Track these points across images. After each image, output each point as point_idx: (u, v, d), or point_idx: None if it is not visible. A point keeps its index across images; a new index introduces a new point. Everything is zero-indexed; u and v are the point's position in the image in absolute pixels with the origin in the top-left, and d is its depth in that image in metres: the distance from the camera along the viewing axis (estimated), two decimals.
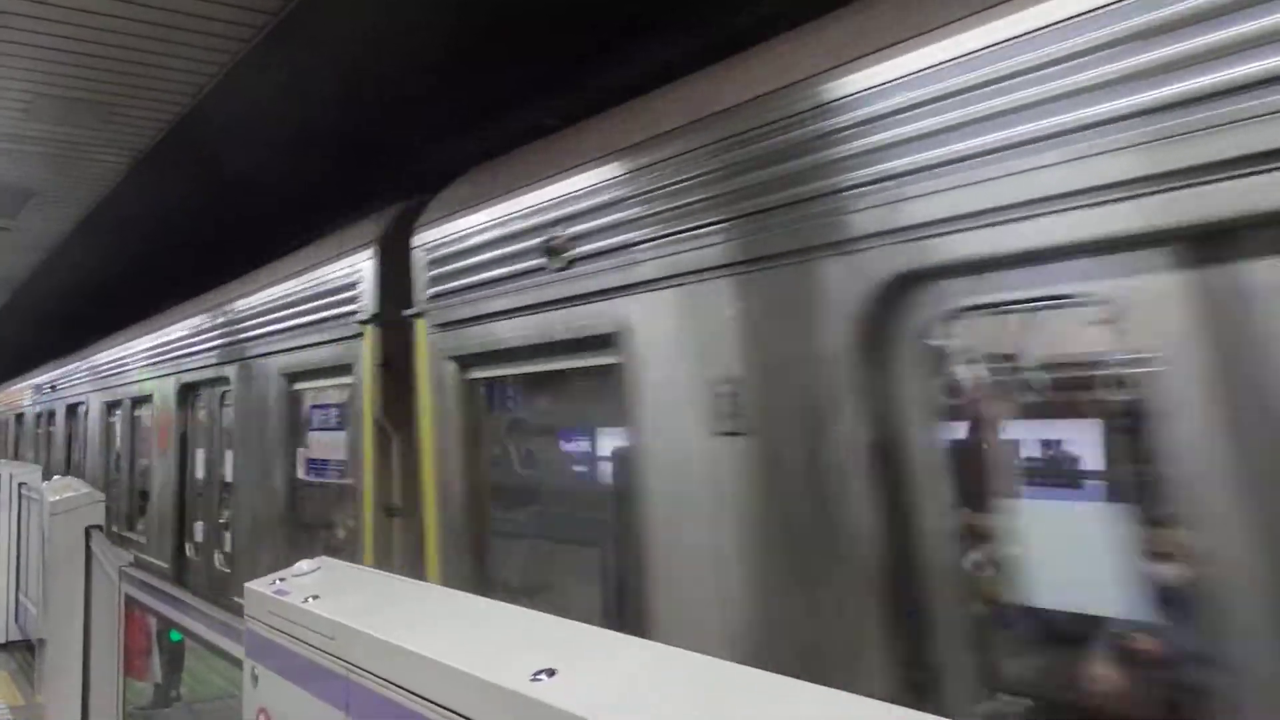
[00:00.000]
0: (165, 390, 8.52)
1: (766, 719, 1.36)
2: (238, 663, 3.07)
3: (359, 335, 4.88)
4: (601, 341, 3.29)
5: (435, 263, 4.21)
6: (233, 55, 5.77)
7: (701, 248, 2.88)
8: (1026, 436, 2.40)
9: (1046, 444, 2.37)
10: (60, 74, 6.21)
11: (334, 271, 5.26)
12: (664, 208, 3.02)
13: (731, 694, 1.48)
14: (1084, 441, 2.31)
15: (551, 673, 1.53)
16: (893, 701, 1.35)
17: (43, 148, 7.85)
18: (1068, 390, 2.31)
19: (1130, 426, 2.13)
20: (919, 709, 1.28)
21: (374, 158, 6.96)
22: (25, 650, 10.49)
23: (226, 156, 7.60)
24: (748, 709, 1.41)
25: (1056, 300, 2.16)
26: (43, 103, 6.72)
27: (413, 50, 5.47)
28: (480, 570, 4.07)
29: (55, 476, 9.25)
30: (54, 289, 14.09)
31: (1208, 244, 1.87)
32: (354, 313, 4.96)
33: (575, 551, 3.95)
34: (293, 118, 6.65)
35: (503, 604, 2.19)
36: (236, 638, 3.14)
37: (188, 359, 7.93)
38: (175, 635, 4.88)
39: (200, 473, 7.89)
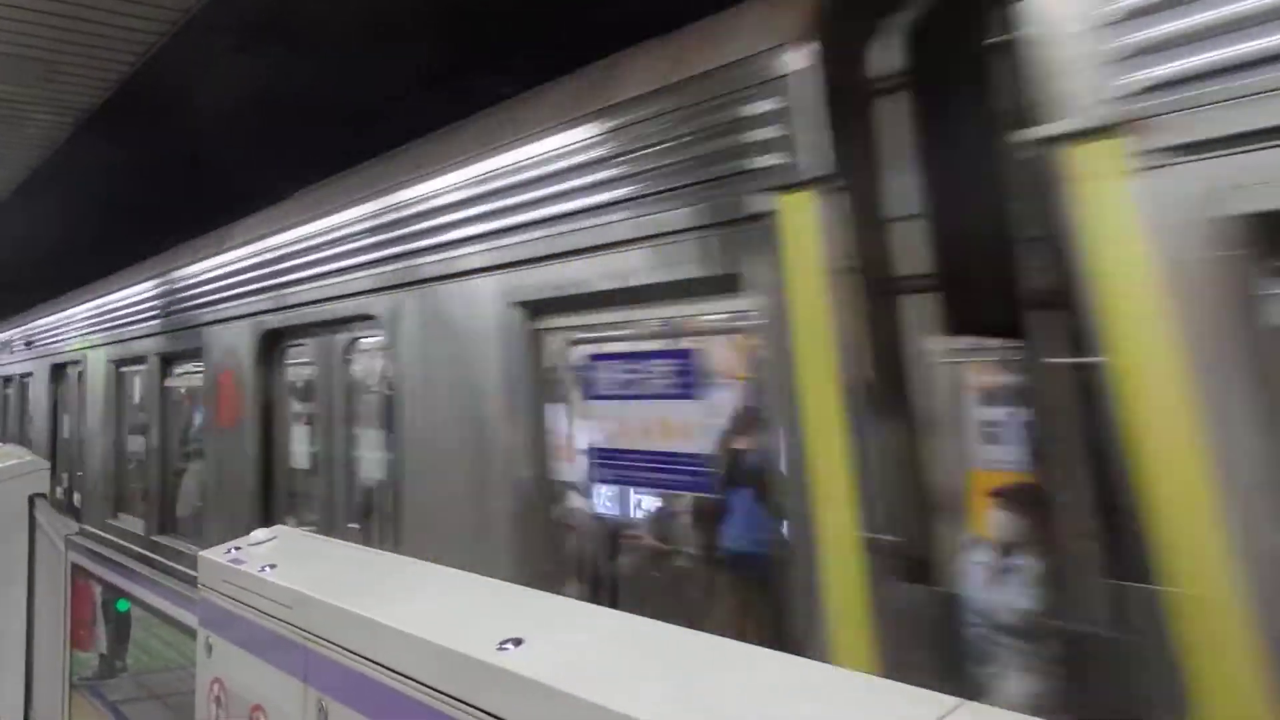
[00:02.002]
0: None
1: (732, 686, 1.37)
2: (190, 632, 3.03)
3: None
4: None
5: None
6: (184, 12, 5.61)
7: None
8: None
9: None
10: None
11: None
12: None
13: (698, 663, 1.49)
14: None
15: (518, 642, 1.53)
16: None
17: None
18: None
19: None
20: None
21: (332, 120, 6.82)
22: None
23: (176, 119, 7.41)
24: (714, 677, 1.42)
25: None
26: None
27: (373, 8, 5.36)
28: None
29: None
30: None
31: None
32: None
33: None
34: (245, 79, 6.49)
35: (466, 574, 2.18)
36: (189, 607, 3.10)
37: None
38: (122, 605, 4.80)
39: None
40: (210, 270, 5.65)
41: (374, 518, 4.26)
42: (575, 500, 3.27)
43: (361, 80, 6.19)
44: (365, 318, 4.04)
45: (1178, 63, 1.65)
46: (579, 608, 1.85)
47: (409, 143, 4.12)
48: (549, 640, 1.57)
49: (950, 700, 1.12)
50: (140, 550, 5.97)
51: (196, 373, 5.90)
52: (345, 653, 1.91)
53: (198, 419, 6.24)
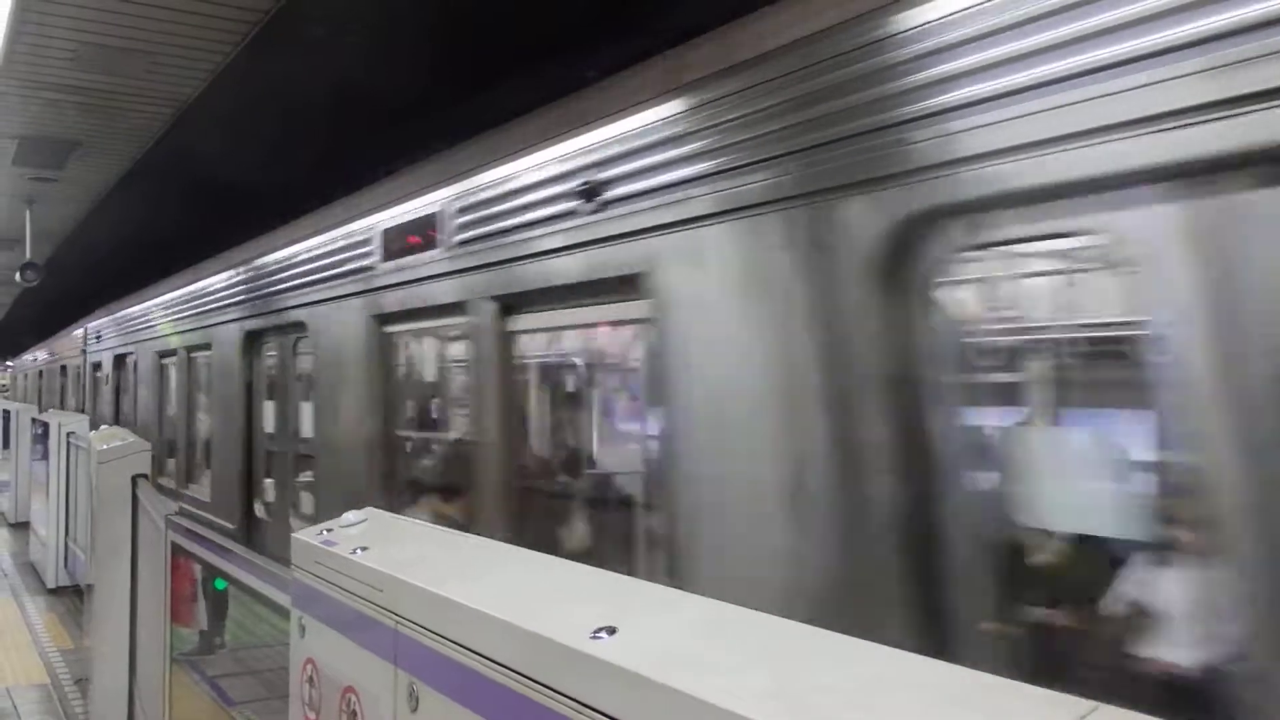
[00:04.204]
0: None
1: (837, 681, 1.30)
2: (283, 611, 3.08)
3: None
4: None
5: None
6: (275, 2, 5.71)
7: None
8: None
9: None
10: (106, 22, 6.19)
11: None
12: None
13: (795, 653, 1.43)
14: None
15: (612, 630, 1.48)
16: None
17: (88, 99, 7.86)
18: None
19: None
20: None
21: (419, 111, 6.88)
22: (74, 595, 10.74)
23: (268, 109, 7.57)
24: (815, 670, 1.35)
25: None
26: (89, 52, 6.71)
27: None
28: None
29: (102, 426, 9.39)
30: (99, 241, 14.23)
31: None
32: None
33: None
34: (332, 72, 6.58)
35: (552, 558, 2.15)
36: (283, 586, 3.15)
37: None
38: (220, 583, 4.92)
39: None
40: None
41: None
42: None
43: (445, 71, 6.22)
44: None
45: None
46: (669, 594, 1.80)
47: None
48: (642, 629, 1.53)
49: (1086, 704, 1.03)
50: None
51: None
52: (436, 637, 1.89)
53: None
